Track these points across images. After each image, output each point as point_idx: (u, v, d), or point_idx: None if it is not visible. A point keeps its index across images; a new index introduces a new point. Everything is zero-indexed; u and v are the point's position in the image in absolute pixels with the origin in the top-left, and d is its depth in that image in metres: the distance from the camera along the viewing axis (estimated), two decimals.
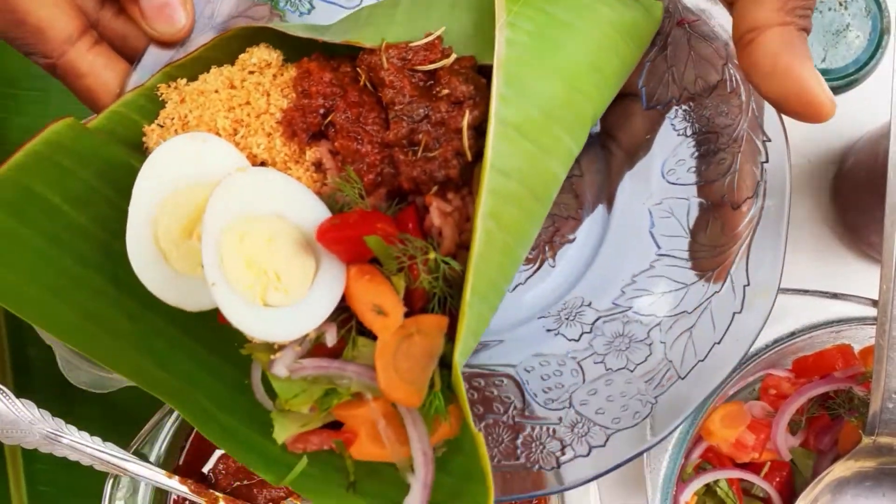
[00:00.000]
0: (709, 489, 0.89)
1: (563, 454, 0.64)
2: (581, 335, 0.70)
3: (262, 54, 0.65)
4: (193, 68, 0.65)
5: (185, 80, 0.65)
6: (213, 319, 0.58)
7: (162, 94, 0.65)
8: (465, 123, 0.57)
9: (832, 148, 0.98)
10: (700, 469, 0.89)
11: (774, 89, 0.56)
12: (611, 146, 0.73)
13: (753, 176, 0.66)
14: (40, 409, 0.76)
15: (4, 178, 0.58)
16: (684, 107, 0.70)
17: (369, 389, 0.55)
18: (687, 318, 0.66)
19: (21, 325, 0.99)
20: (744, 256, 0.66)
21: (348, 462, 0.58)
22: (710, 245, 0.68)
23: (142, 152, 0.64)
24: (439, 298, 0.56)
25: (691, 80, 0.69)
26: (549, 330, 0.71)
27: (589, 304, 0.71)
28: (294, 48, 0.65)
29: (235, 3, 0.70)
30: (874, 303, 0.80)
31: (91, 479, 0.85)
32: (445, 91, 0.58)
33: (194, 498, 0.82)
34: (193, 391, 0.62)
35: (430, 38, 0.59)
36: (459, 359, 0.51)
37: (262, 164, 0.62)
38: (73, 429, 0.77)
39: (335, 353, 0.56)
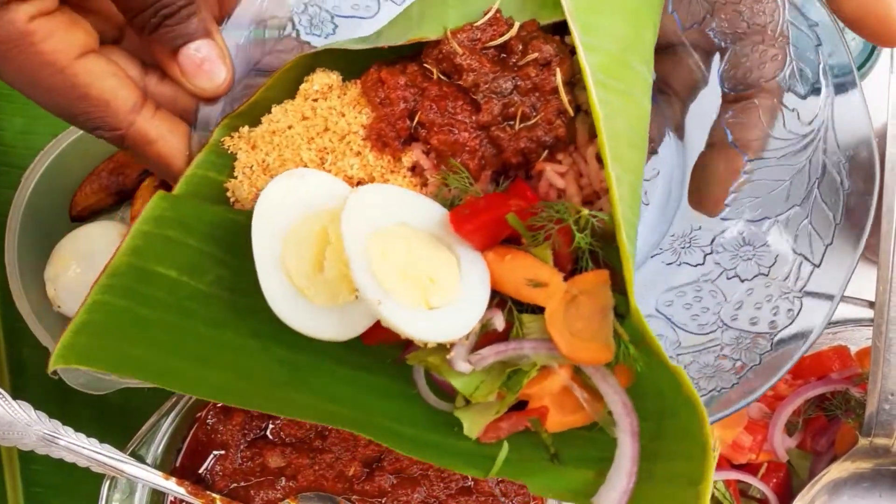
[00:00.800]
0: None
1: (737, 371, 0.65)
2: (704, 258, 0.70)
3: (322, 79, 0.65)
4: (252, 113, 0.65)
5: (247, 128, 0.65)
6: (360, 345, 0.59)
7: (229, 146, 0.65)
8: (559, 81, 0.58)
9: None
10: None
11: (854, 8, 0.58)
12: (668, 91, 0.74)
13: (813, 62, 0.67)
14: (37, 411, 0.75)
15: (121, 265, 0.59)
16: (721, 16, 0.69)
17: (552, 359, 0.56)
18: (800, 210, 0.67)
19: (17, 327, 0.99)
20: (832, 133, 0.66)
21: (545, 436, 0.59)
22: (794, 134, 0.68)
23: (231, 205, 0.65)
24: (589, 254, 0.57)
25: None
26: (668, 263, 0.72)
27: (699, 228, 0.71)
28: (345, 66, 0.65)
29: (263, 42, 0.70)
30: (871, 304, 0.80)
31: (88, 481, 0.84)
32: (533, 55, 0.58)
33: (191, 499, 0.82)
34: (368, 415, 0.62)
35: (491, 14, 0.60)
36: (636, 304, 0.52)
37: (359, 183, 0.62)
38: (69, 430, 0.76)
39: (502, 338, 0.57)
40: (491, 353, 0.56)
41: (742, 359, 0.64)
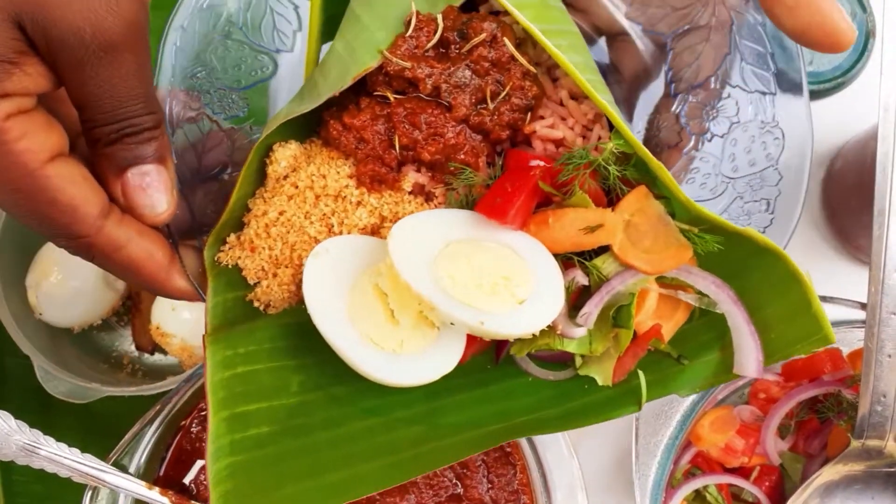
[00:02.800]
0: (698, 494, 0.89)
1: (767, 208, 0.68)
2: (679, 134, 0.73)
3: (284, 154, 0.63)
4: (232, 222, 0.64)
5: (233, 235, 0.64)
6: (455, 370, 0.59)
7: (225, 261, 0.63)
8: (512, 48, 0.60)
9: (821, 151, 0.98)
10: (689, 474, 0.88)
11: (797, 21, 0.60)
12: (616, 74, 0.76)
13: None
14: (17, 420, 0.74)
15: (218, 426, 0.58)
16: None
17: (643, 282, 0.59)
18: (731, 57, 0.70)
19: None
20: None
21: (664, 347, 0.62)
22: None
23: (265, 312, 0.64)
24: (614, 179, 0.59)
25: None
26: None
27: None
28: (292, 129, 0.63)
29: (193, 146, 0.68)
30: (863, 306, 0.80)
31: (70, 491, 0.83)
32: (480, 37, 0.59)
33: None
34: (511, 419, 0.63)
35: (415, 18, 0.60)
36: (685, 195, 0.57)
37: (373, 228, 0.62)
38: (50, 440, 0.75)
39: (585, 290, 0.60)
40: (592, 307, 0.59)
41: (764, 196, 0.68)
